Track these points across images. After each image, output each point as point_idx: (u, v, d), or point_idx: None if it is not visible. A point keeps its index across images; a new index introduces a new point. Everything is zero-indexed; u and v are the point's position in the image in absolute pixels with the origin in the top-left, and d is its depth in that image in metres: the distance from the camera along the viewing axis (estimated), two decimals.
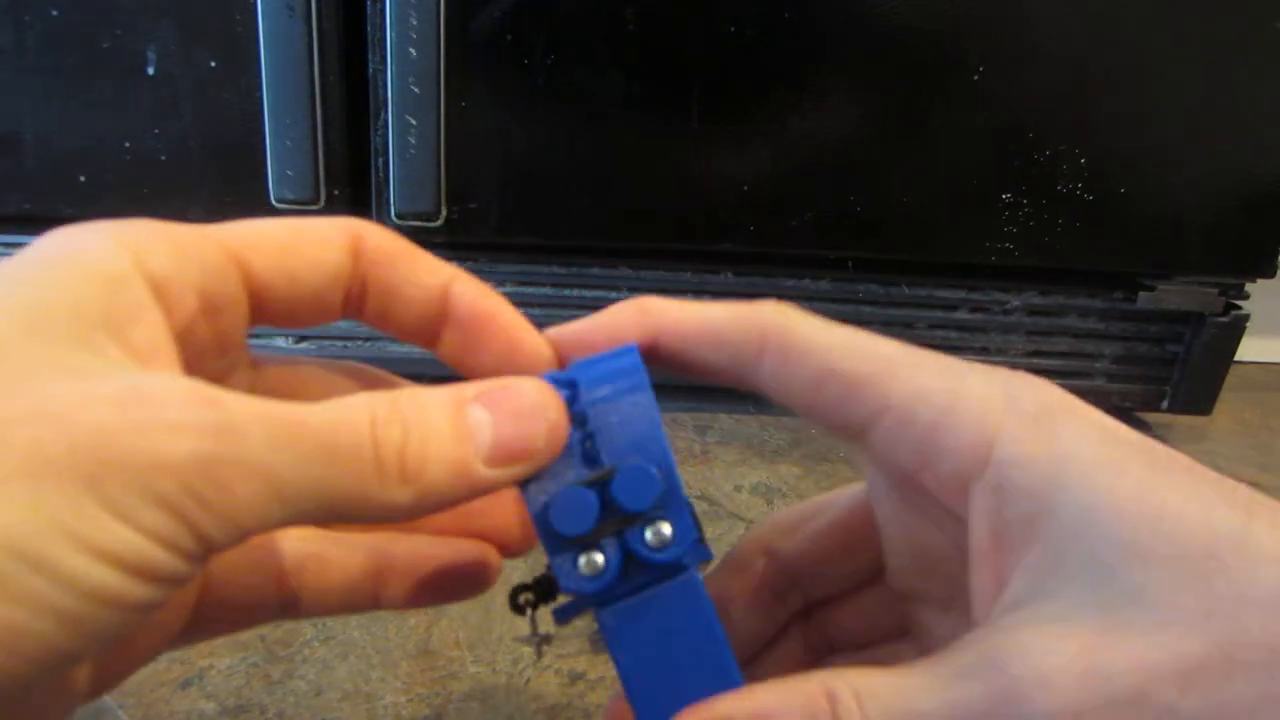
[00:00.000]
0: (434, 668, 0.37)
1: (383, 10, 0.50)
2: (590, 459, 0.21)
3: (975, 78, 0.55)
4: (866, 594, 0.26)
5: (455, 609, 0.40)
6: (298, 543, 0.24)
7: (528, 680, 0.36)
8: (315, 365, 0.24)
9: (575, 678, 0.36)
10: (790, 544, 0.26)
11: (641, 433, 0.21)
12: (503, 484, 0.19)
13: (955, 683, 0.17)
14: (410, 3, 0.50)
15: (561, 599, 0.23)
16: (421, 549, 0.24)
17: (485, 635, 0.39)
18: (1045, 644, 0.17)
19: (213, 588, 0.23)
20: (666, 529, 0.21)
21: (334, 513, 0.17)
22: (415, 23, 0.50)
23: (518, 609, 0.24)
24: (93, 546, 0.14)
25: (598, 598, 0.21)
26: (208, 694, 0.34)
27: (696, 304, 0.23)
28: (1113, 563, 0.17)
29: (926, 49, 0.55)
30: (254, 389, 0.23)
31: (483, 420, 0.19)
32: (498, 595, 0.43)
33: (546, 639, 0.24)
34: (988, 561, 0.19)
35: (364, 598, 0.24)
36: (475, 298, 0.22)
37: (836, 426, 0.22)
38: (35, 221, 0.57)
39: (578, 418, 0.21)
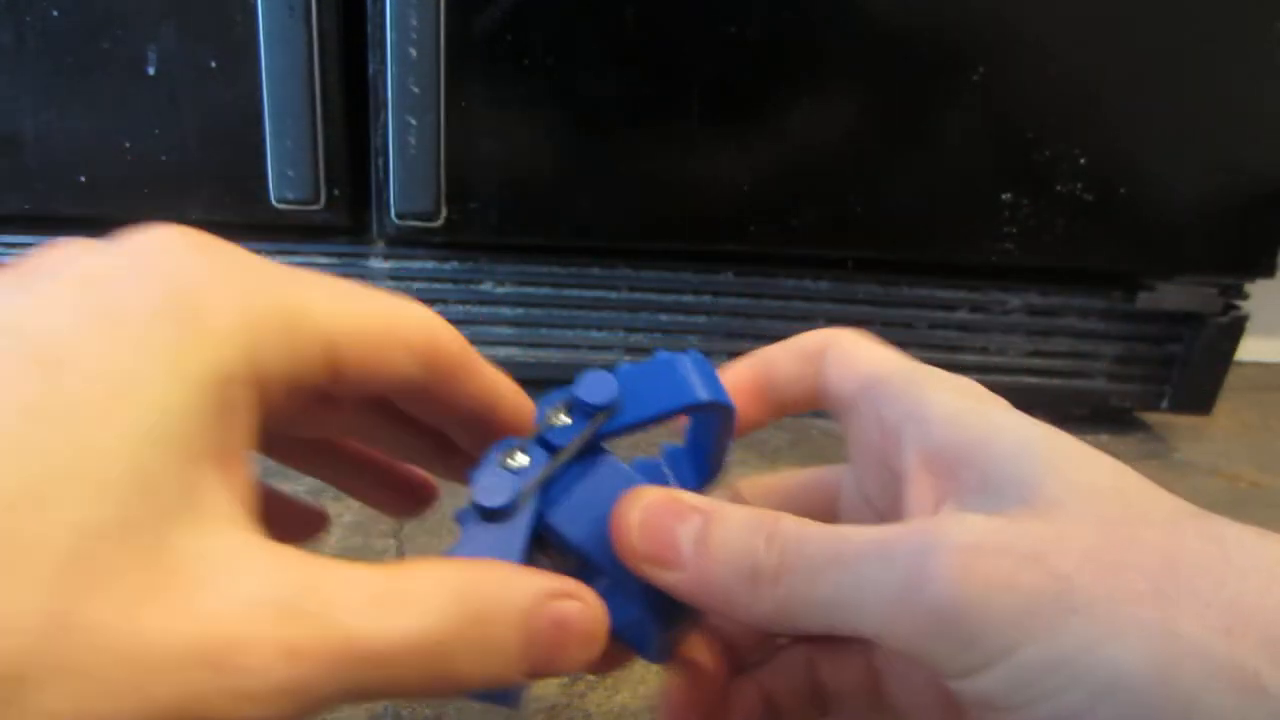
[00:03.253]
0: None
1: (383, 10, 0.50)
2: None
3: (975, 78, 0.55)
4: None
5: None
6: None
7: None
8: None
9: (575, 678, 0.37)
10: (754, 492, 0.28)
11: None
12: None
13: (883, 530, 0.19)
14: (410, 3, 0.50)
15: None
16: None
17: None
18: (967, 516, 0.18)
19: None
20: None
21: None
22: (415, 23, 0.50)
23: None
24: None
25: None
26: None
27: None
28: (1038, 481, 0.18)
29: (926, 49, 0.55)
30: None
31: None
32: None
33: None
34: (920, 483, 0.21)
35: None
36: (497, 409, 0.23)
37: (830, 398, 0.24)
38: (35, 221, 0.57)
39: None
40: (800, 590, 0.19)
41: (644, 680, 0.37)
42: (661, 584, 0.20)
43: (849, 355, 0.24)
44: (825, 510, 0.26)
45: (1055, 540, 0.17)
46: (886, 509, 0.23)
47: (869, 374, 0.23)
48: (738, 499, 0.27)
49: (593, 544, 0.21)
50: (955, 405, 0.21)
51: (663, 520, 0.20)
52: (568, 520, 0.21)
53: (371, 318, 0.19)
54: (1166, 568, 0.16)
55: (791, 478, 0.28)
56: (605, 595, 0.20)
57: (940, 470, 0.20)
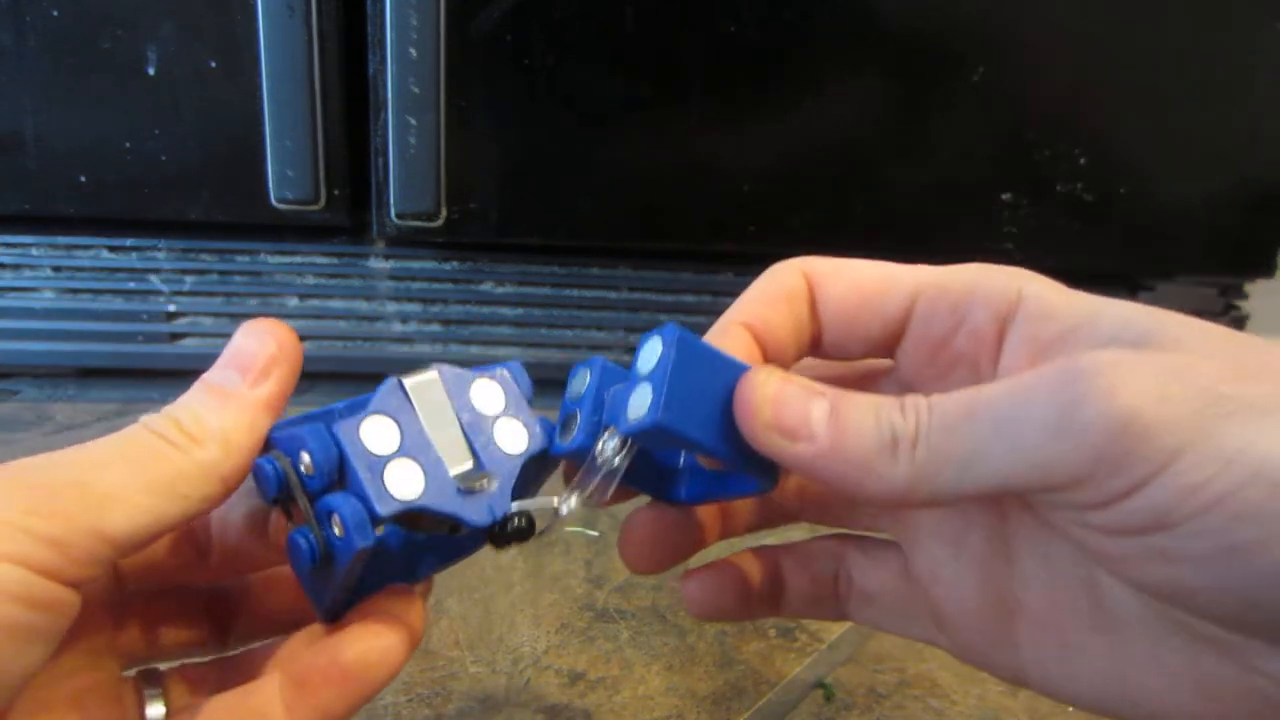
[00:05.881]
0: (434, 668, 0.37)
1: (383, 10, 0.50)
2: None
3: (975, 78, 0.55)
4: None
5: (455, 609, 0.40)
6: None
7: (528, 680, 0.36)
8: None
9: (575, 678, 0.37)
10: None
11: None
12: None
13: (1013, 380, 0.19)
14: (410, 3, 0.50)
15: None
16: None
17: (485, 635, 0.39)
18: (1100, 351, 0.18)
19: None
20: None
21: None
22: (415, 23, 0.50)
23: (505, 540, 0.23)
24: None
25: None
26: None
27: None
28: (1156, 330, 0.19)
29: (926, 49, 0.55)
30: None
31: None
32: (497, 596, 0.43)
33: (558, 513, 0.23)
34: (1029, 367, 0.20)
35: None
36: None
37: (871, 333, 0.23)
38: (35, 221, 0.57)
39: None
40: (941, 447, 0.18)
41: (644, 680, 0.37)
42: (789, 457, 0.20)
43: (856, 278, 0.23)
44: None
45: (1191, 363, 0.17)
46: None
47: (917, 287, 0.22)
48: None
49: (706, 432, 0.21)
50: (1053, 297, 0.21)
51: (793, 398, 0.20)
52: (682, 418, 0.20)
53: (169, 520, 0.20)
54: None
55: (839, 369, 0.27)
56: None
57: (1045, 354, 0.20)
